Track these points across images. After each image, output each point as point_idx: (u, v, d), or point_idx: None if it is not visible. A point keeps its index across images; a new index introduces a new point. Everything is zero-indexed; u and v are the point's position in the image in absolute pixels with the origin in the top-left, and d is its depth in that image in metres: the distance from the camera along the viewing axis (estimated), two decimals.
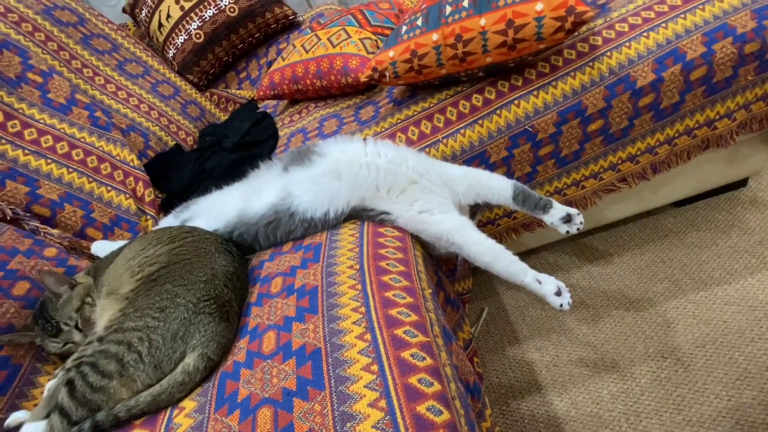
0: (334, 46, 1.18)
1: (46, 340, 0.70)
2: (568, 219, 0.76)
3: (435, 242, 0.77)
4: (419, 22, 0.91)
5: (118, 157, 1.12)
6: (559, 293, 0.72)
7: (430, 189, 0.77)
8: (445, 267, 1.01)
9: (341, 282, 0.63)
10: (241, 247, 0.80)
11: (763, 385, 0.80)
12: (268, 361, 0.55)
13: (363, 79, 0.98)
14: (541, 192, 0.99)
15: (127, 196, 1.07)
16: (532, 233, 1.05)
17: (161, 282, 0.62)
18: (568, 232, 0.78)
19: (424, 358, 0.51)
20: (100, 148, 1.10)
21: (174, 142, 1.35)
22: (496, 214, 1.01)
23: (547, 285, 0.72)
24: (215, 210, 0.83)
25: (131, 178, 1.11)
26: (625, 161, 0.97)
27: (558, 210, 0.77)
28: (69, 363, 0.61)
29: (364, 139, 0.83)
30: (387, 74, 0.95)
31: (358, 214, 0.79)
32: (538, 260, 1.20)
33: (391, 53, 0.93)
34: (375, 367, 0.50)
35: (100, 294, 0.68)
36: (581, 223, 0.77)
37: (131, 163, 1.13)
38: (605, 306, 1.04)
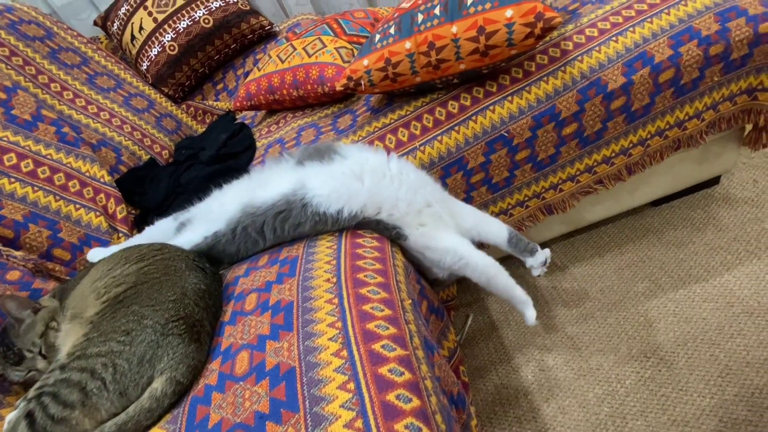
0: (309, 56, 1.18)
1: (8, 369, 0.66)
2: (545, 262, 0.87)
3: (441, 258, 0.80)
4: (392, 31, 0.90)
5: (87, 174, 1.08)
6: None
7: (441, 215, 0.81)
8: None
9: (317, 296, 0.61)
10: (245, 243, 0.78)
11: (744, 381, 0.81)
12: (241, 383, 0.52)
13: (339, 88, 0.97)
14: (519, 196, 0.99)
15: (98, 213, 1.03)
16: None
17: (127, 303, 0.60)
18: (539, 275, 0.89)
19: (402, 373, 0.50)
20: (68, 165, 1.06)
21: (148, 156, 1.31)
22: None
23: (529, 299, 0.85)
24: (214, 211, 0.80)
25: (102, 195, 1.07)
26: (601, 163, 0.98)
27: (540, 254, 0.87)
28: (30, 393, 0.57)
29: (387, 155, 0.84)
30: (362, 83, 0.94)
31: (368, 225, 0.78)
32: (520, 264, 1.20)
33: (365, 62, 0.93)
34: (351, 386, 0.48)
35: (65, 318, 0.65)
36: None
37: (101, 179, 1.09)
38: (588, 308, 1.04)
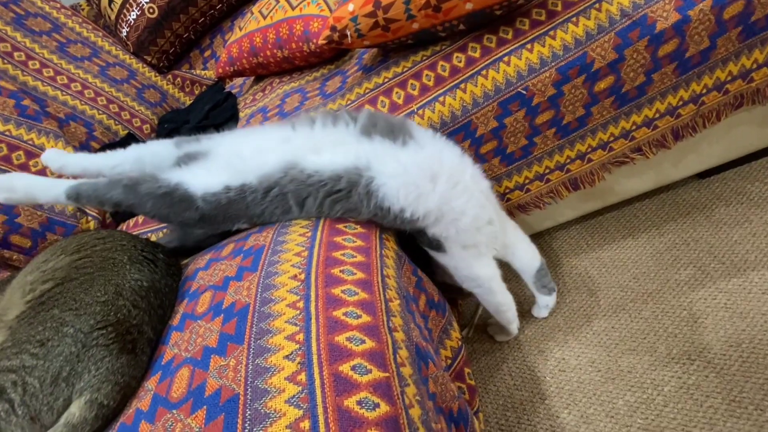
0: (293, 8, 1.02)
1: None
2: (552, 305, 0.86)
3: (463, 281, 0.76)
4: None
5: None
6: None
7: (496, 236, 0.72)
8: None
9: (279, 298, 0.49)
10: (275, 209, 0.63)
11: None
12: (174, 411, 0.41)
13: (321, 41, 0.82)
14: (539, 168, 0.84)
15: None
16: (528, 215, 0.90)
17: (49, 305, 0.49)
18: (538, 316, 0.89)
19: (376, 405, 0.38)
20: (30, 142, 0.96)
21: (125, 132, 1.20)
22: None
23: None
24: (245, 157, 0.64)
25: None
26: (641, 126, 0.80)
27: (555, 297, 0.87)
28: None
29: (462, 153, 0.70)
30: (348, 33, 0.78)
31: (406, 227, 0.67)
32: (540, 246, 1.05)
33: (350, 6, 0.76)
34: (306, 424, 0.36)
35: None
36: None
37: None
38: (619, 298, 0.89)
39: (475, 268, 0.72)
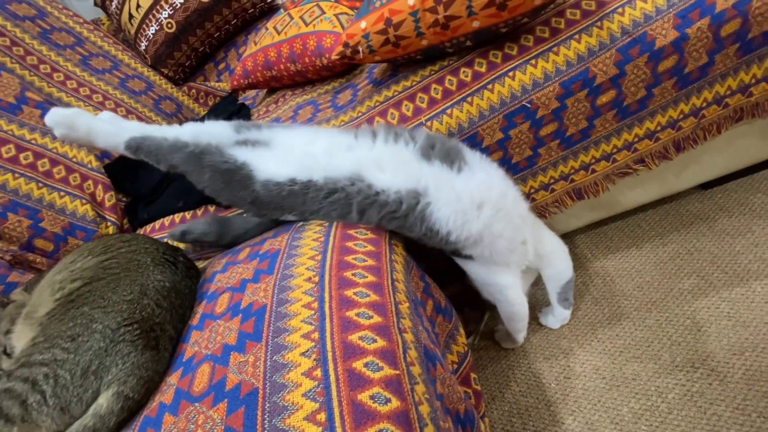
0: (306, 25, 1.06)
1: None
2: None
3: (481, 288, 0.79)
4: None
5: (74, 159, 1.02)
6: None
7: (526, 255, 0.76)
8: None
9: (295, 299, 0.51)
10: (334, 210, 0.65)
11: None
12: (196, 404, 0.44)
13: (334, 57, 0.86)
14: (544, 178, 0.86)
15: (84, 201, 0.97)
16: None
17: (78, 303, 0.52)
18: (547, 324, 0.91)
19: (388, 400, 0.40)
20: (54, 150, 1.00)
21: None
22: None
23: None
24: (317, 157, 0.66)
25: (89, 182, 1.01)
26: (643, 139, 0.83)
27: (570, 312, 0.89)
28: None
29: (505, 176, 0.73)
30: (360, 49, 0.82)
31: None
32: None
33: (363, 24, 0.80)
34: (322, 416, 0.38)
35: (19, 316, 0.59)
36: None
37: (89, 165, 1.03)
38: (624, 307, 0.91)
39: (496, 277, 0.75)
